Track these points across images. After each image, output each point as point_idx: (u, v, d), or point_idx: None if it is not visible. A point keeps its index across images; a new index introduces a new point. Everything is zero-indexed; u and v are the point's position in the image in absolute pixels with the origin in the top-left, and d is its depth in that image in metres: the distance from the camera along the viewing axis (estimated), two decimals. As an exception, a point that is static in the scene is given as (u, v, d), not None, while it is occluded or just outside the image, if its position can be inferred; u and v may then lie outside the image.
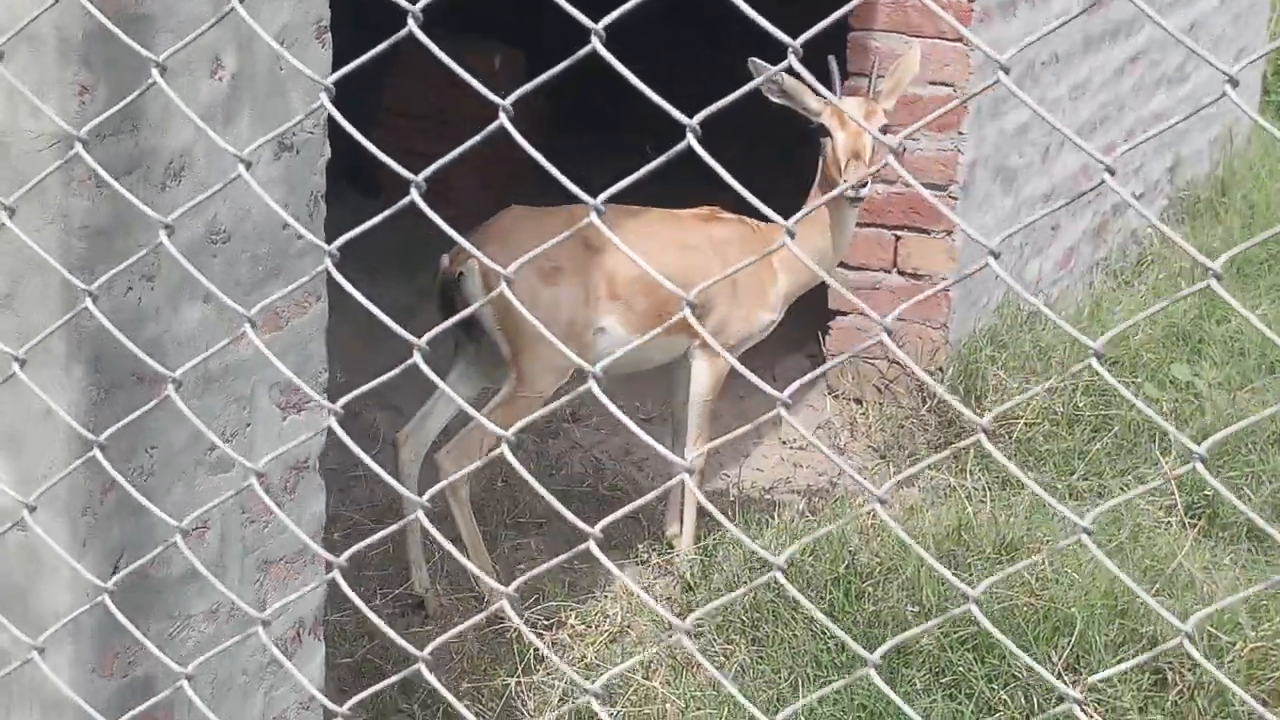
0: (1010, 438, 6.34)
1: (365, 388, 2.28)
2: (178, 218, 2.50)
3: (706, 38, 9.86)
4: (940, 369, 6.61)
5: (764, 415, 2.04)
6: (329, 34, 3.40)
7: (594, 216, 2.03)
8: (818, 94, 5.09)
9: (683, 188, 4.72)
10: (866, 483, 2.02)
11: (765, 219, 5.32)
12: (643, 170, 2.00)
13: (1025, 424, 6.36)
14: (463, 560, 2.29)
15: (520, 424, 2.18)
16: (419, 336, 2.22)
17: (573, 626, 5.16)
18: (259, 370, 3.40)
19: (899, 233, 6.61)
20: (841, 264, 6.43)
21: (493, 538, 5.64)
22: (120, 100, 2.71)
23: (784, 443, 6.60)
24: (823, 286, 6.25)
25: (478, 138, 2.07)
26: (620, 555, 5.66)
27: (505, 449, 2.11)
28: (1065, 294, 7.54)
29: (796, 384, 2.11)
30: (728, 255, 5.29)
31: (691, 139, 1.93)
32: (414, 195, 2.11)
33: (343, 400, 2.25)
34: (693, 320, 2.04)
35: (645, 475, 6.27)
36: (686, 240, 5.32)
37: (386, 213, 2.16)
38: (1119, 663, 4.79)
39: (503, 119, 2.02)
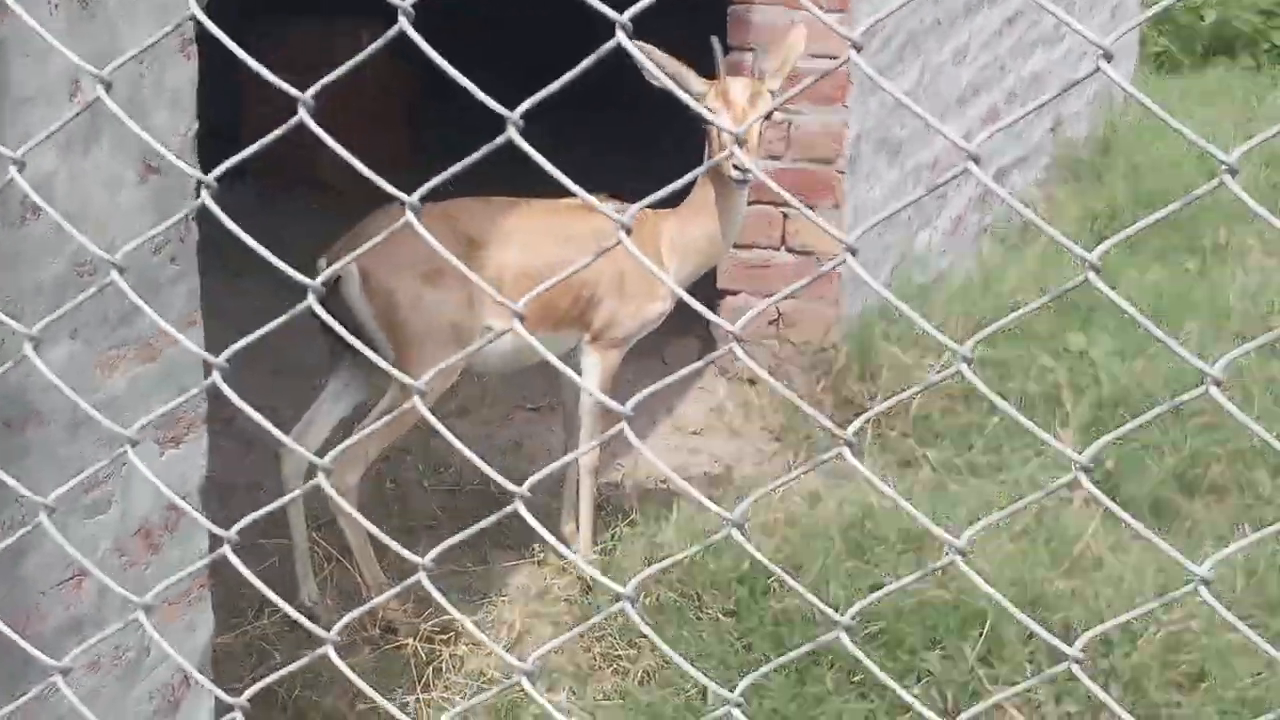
0: (907, 415, 6.23)
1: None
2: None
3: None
4: (834, 346, 6.49)
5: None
6: (194, 46, 3.19)
7: (410, 215, 1.86)
8: (701, 76, 4.94)
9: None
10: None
11: (657, 206, 5.16)
12: (459, 166, 1.83)
13: (921, 400, 6.26)
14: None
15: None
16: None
17: (468, 639, 4.98)
18: (132, 406, 3.19)
19: (786, 209, 6.47)
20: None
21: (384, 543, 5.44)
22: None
23: (678, 430, 6.46)
24: (713, 271, 6.10)
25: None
26: (515, 555, 5.49)
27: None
28: (955, 264, 7.45)
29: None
30: (615, 250, 5.11)
31: (512, 131, 1.76)
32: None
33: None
34: (520, 330, 1.90)
35: (537, 469, 6.09)
36: (569, 232, 5.14)
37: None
38: (1032, 655, 4.70)
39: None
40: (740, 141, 4.90)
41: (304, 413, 5.17)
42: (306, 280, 1.96)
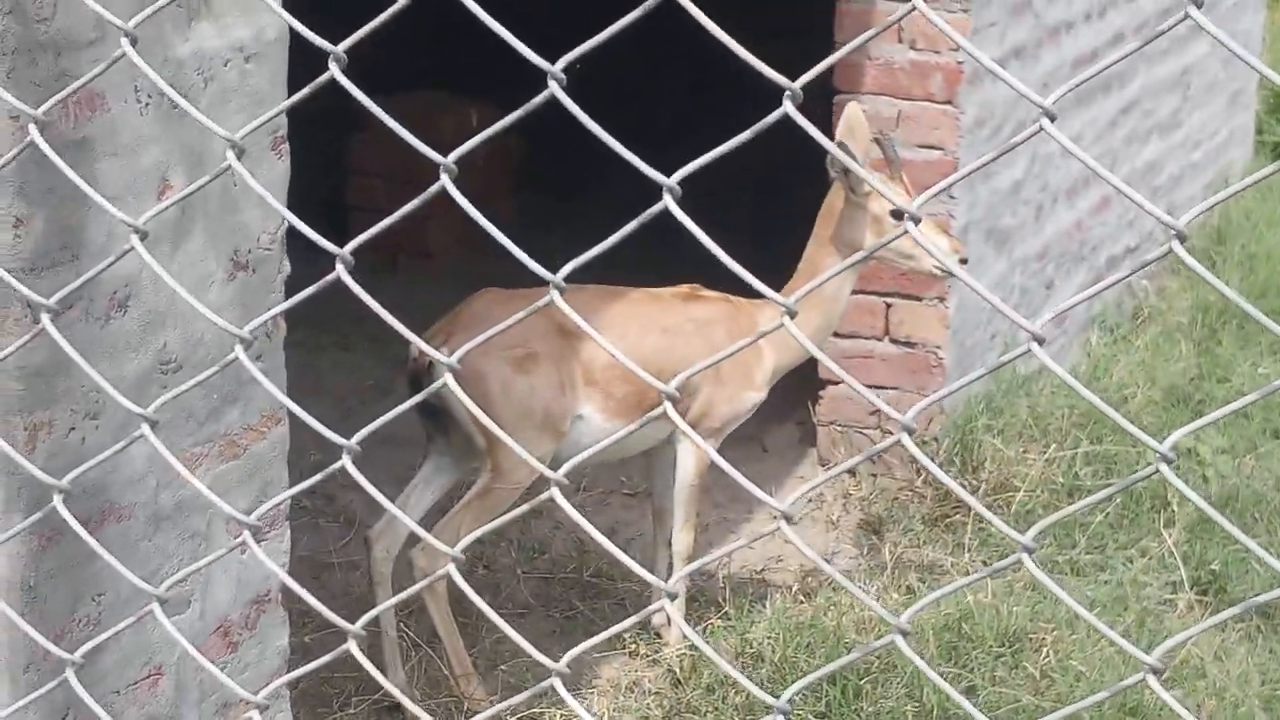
0: (1009, 510, 6.13)
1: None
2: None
3: (690, 85, 9.69)
4: (935, 439, 6.40)
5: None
6: (286, 144, 3.19)
7: (555, 295, 1.82)
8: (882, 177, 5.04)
9: (664, 253, 4.52)
10: (884, 611, 1.80)
11: (756, 294, 5.14)
12: (612, 239, 1.78)
13: (1024, 494, 6.15)
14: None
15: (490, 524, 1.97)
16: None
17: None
18: (213, 504, 3.18)
19: (890, 299, 6.41)
20: (834, 333, 6.23)
21: (475, 628, 5.41)
22: (60, 231, 2.51)
23: (775, 518, 6.38)
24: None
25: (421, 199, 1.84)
26: (605, 645, 5.43)
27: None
28: (1061, 353, 7.34)
29: (797, 494, 1.89)
30: (711, 336, 5.09)
31: (668, 199, 1.72)
32: (340, 271, 1.89)
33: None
34: (673, 415, 1.85)
35: (631, 556, 6.03)
36: (667, 322, 5.11)
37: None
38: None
39: (444, 179, 1.80)
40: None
41: (398, 490, 5.15)
42: (441, 357, 1.93)
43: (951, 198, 6.24)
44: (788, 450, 6.81)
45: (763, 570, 5.99)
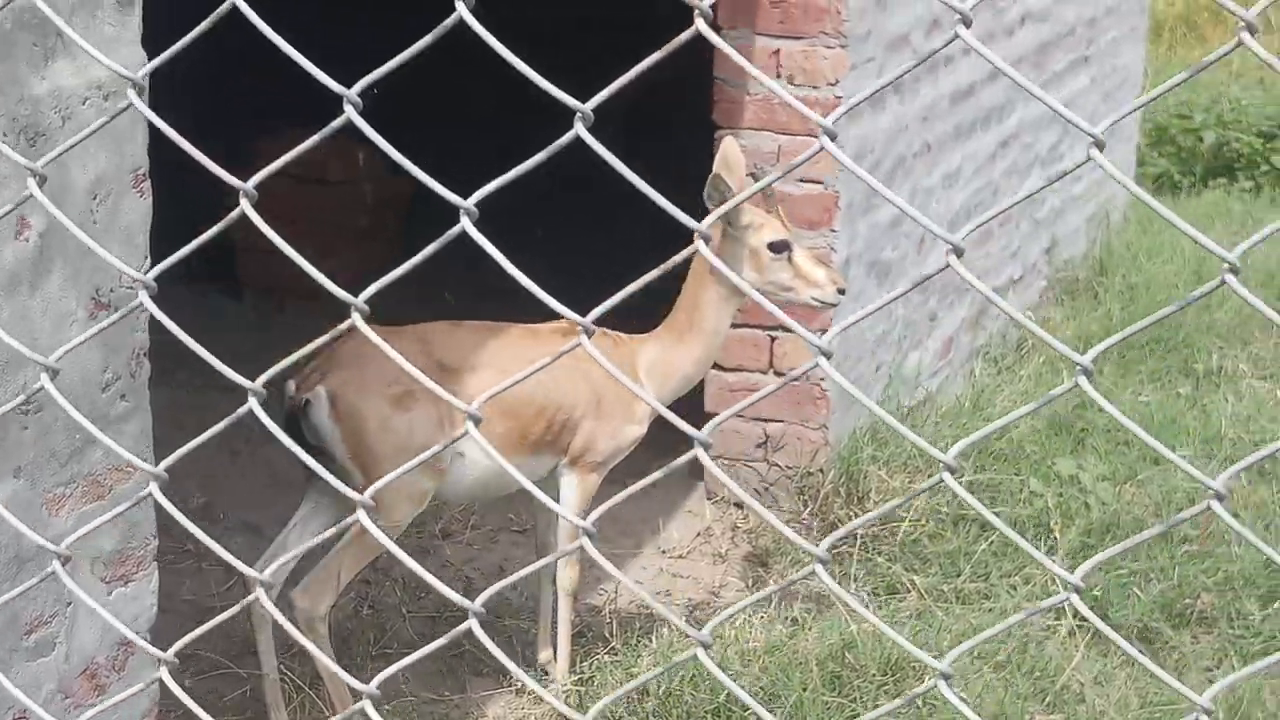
0: (894, 539, 6.17)
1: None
2: None
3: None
4: (821, 470, 6.44)
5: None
6: (148, 181, 3.18)
7: (356, 317, 1.83)
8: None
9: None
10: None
11: (641, 330, 5.11)
12: (407, 265, 1.79)
13: (909, 524, 6.20)
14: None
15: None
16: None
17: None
18: (79, 545, 3.15)
19: (773, 333, 6.44)
20: (718, 366, 6.25)
21: (359, 669, 5.38)
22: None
23: (664, 552, 6.40)
24: (699, 386, 6.06)
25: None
26: (488, 684, 5.41)
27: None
28: (945, 384, 7.41)
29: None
30: (590, 372, 5.10)
31: (465, 222, 1.73)
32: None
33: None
34: (475, 435, 1.86)
35: (518, 593, 6.03)
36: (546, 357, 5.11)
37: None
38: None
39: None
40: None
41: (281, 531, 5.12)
42: (247, 383, 1.94)
43: (833, 231, 6.29)
44: (676, 483, 6.82)
45: (650, 606, 5.99)
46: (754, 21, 6.19)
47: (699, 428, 6.03)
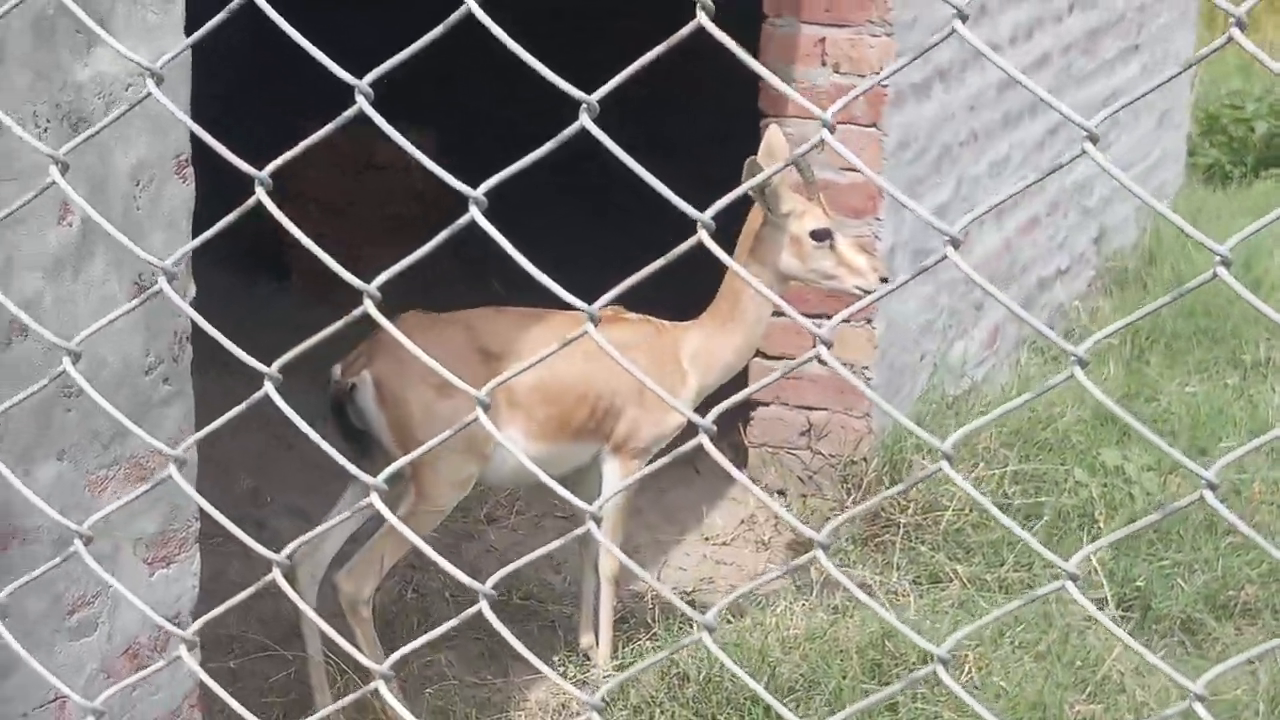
0: (938, 529, 6.17)
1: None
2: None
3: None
4: (865, 459, 6.44)
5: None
6: (190, 168, 3.21)
7: (368, 304, 1.85)
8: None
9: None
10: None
11: (691, 317, 5.11)
12: (420, 251, 1.81)
13: (953, 513, 6.20)
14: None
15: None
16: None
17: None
18: (122, 526, 3.19)
19: (818, 321, 6.43)
20: (762, 354, 6.26)
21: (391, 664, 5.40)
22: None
23: (706, 539, 6.42)
24: (743, 374, 6.07)
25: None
26: (532, 669, 5.41)
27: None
28: (991, 374, 7.40)
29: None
30: (634, 359, 5.11)
31: (474, 211, 1.75)
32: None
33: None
34: (485, 422, 1.87)
35: (562, 579, 6.06)
36: (588, 345, 5.12)
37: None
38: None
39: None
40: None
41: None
42: (262, 367, 1.96)
43: (878, 219, 6.29)
44: (720, 472, 6.83)
45: (693, 592, 6.02)
46: (799, 9, 6.20)
47: (747, 416, 6.09)
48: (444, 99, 9.12)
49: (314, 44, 1.79)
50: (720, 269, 5.25)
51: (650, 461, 5.26)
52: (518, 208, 4.20)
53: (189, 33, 3.11)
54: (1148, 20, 9.22)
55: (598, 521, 1.82)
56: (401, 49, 1.76)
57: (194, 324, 3.30)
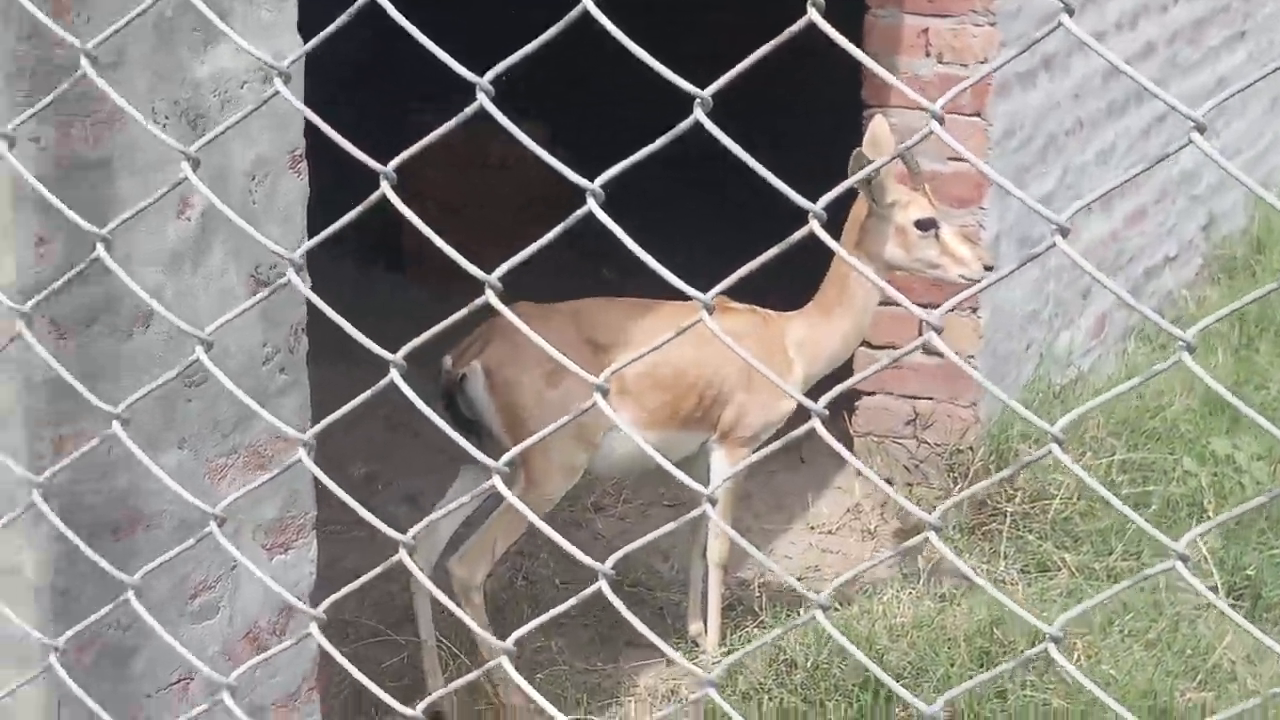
0: (1045, 517, 6.16)
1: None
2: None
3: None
4: (970, 448, 6.44)
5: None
6: (304, 162, 3.29)
7: (490, 294, 1.91)
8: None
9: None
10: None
11: (795, 307, 5.13)
12: (536, 245, 1.85)
13: (1060, 501, 6.19)
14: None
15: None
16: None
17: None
18: (243, 511, 3.27)
19: (924, 310, 6.45)
20: (867, 344, 6.27)
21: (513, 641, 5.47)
22: (81, 250, 2.60)
23: (812, 528, 6.45)
24: (846, 365, 6.10)
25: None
26: (641, 655, 5.50)
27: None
28: (1098, 364, 7.37)
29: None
30: (741, 348, 5.15)
31: (592, 203, 1.79)
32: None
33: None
34: (604, 406, 1.92)
35: (669, 566, 6.11)
36: (699, 332, 5.17)
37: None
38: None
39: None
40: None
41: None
42: (388, 355, 2.01)
43: (982, 209, 6.29)
44: (826, 459, 6.85)
45: (800, 579, 6.05)
46: (902, 1, 6.21)
47: (852, 405, 6.10)
48: (554, 94, 9.16)
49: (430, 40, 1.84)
50: (823, 262, 5.28)
51: (757, 450, 5.30)
52: (630, 204, 4.26)
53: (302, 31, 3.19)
54: (1254, 8, 9.13)
55: (713, 504, 1.86)
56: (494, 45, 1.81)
57: (308, 315, 3.38)
